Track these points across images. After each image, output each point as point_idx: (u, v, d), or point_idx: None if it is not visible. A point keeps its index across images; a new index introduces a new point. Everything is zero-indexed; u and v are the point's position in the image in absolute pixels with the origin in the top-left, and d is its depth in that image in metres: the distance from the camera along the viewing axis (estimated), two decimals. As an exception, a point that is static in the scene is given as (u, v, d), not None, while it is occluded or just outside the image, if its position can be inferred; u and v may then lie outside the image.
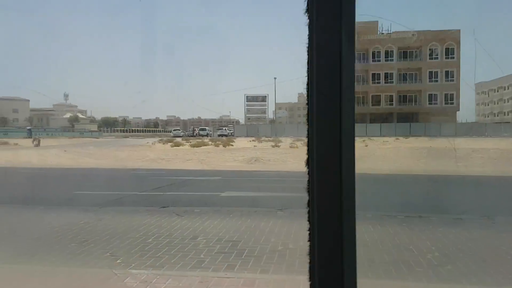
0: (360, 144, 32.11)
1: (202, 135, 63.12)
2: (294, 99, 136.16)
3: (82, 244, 5.09)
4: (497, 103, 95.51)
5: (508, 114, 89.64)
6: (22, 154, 23.58)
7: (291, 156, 20.56)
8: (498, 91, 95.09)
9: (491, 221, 6.40)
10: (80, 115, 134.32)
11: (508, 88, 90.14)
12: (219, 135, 61.71)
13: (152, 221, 6.35)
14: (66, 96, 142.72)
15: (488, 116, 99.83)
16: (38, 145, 34.22)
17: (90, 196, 9.32)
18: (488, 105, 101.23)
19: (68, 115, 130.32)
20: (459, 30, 63.12)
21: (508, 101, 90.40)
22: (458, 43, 63.13)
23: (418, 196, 9.62)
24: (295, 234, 5.48)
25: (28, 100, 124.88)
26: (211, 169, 15.62)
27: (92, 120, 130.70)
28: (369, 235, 5.41)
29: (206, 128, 78.31)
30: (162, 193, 9.52)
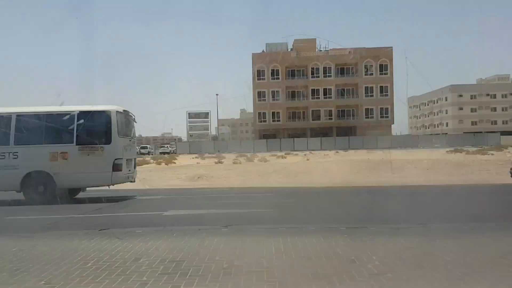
0: (301, 158, 32.77)
1: (143, 153, 61.68)
2: (237, 115, 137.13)
3: (14, 273, 4.76)
4: (428, 116, 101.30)
5: (437, 126, 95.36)
6: None
7: (234, 172, 20.59)
8: (428, 105, 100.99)
9: (426, 228, 6.72)
10: None
11: (437, 102, 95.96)
12: (161, 153, 60.66)
13: (91, 244, 6.07)
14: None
15: (420, 129, 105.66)
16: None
17: (23, 221, 8.78)
18: (419, 118, 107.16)
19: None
20: (392, 48, 66.73)
21: (437, 114, 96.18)
22: (391, 59, 66.69)
23: (359, 207, 9.93)
24: (240, 250, 5.46)
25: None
26: (154, 187, 15.28)
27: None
28: (312, 248, 5.50)
29: (148, 146, 76.65)
30: (101, 215, 9.16)
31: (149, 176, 19.69)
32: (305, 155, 38.10)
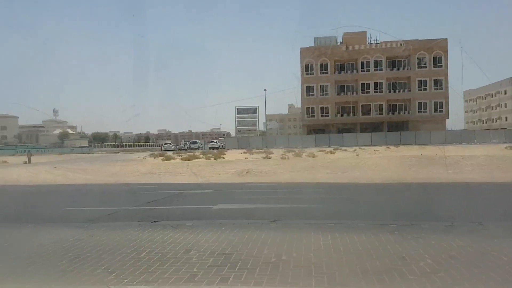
0: (350, 154, 32.25)
1: (193, 148, 63.01)
2: (285, 110, 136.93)
3: (73, 261, 5.03)
4: (485, 110, 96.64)
5: (496, 121, 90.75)
6: (11, 172, 23.34)
7: (282, 168, 20.57)
8: (485, 98, 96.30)
9: (482, 227, 6.44)
10: (70, 131, 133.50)
11: (495, 95, 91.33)
12: (210, 148, 61.67)
13: (144, 235, 6.30)
14: (55, 112, 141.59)
15: (476, 123, 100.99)
16: (28, 162, 33.91)
17: (81, 212, 9.23)
18: (476, 112, 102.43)
19: (58, 131, 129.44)
20: (446, 39, 64.07)
21: (495, 108, 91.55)
22: (446, 51, 64.04)
23: (410, 204, 9.65)
24: (288, 245, 5.47)
25: (17, 117, 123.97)
26: (203, 182, 15.58)
27: (83, 136, 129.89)
28: (362, 244, 5.42)
29: (197, 141, 78.21)
30: (154, 207, 9.46)
31: (199, 171, 20.09)
32: (354, 150, 37.45)
